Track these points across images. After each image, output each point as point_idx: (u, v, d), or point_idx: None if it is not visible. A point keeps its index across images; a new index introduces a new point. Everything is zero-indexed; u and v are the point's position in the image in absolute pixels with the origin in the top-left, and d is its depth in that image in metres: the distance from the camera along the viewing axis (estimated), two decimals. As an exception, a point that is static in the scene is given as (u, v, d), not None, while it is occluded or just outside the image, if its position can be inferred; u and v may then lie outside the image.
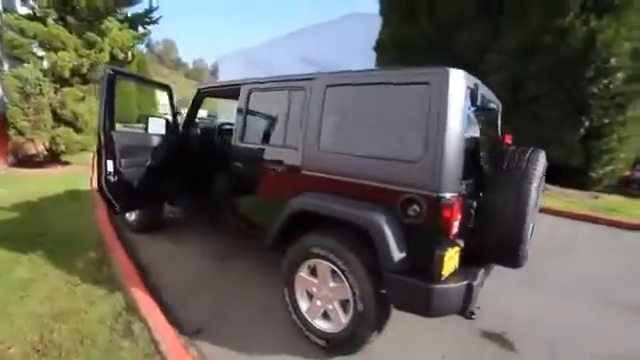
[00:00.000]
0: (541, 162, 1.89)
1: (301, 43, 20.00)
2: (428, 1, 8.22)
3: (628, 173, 8.95)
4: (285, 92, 2.37)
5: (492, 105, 2.32)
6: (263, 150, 2.46)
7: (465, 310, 1.74)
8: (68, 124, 6.45)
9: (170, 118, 3.17)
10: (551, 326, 2.45)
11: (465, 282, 1.71)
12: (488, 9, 7.27)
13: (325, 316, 2.08)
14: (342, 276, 1.91)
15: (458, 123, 1.67)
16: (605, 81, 6.19)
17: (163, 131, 3.11)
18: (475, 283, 1.73)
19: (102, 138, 2.56)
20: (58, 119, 6.35)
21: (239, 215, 2.67)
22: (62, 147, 6.45)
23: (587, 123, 6.52)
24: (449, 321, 2.19)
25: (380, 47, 9.96)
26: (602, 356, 2.18)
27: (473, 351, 2.16)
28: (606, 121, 6.48)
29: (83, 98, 6.55)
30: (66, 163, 7.25)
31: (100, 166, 2.57)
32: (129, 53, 7.68)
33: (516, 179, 1.82)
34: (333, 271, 1.97)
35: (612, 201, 6.73)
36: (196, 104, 3.15)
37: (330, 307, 2.04)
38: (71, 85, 6.48)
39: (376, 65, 10.34)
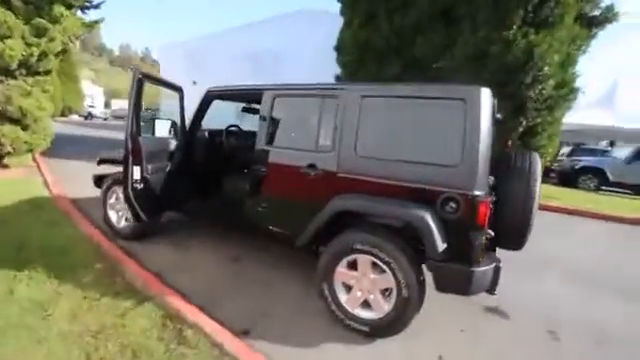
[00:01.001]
0: (539, 163, 2.31)
1: (247, 38, 19.59)
2: (388, 6, 8.72)
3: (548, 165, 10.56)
4: (316, 99, 2.50)
5: (498, 115, 2.73)
6: (293, 154, 2.57)
7: (493, 287, 2.09)
8: (14, 122, 5.66)
9: (177, 121, 3.08)
10: (531, 295, 2.97)
11: (494, 264, 2.06)
12: (444, 17, 7.97)
13: (365, 305, 2.30)
14: (385, 268, 2.14)
15: (487, 133, 2.00)
16: (540, 87, 7.24)
17: (166, 133, 3.01)
18: (501, 265, 2.08)
19: (130, 144, 2.43)
20: (2, 116, 5.53)
21: (266, 217, 2.74)
22: (8, 148, 5.65)
23: (524, 123, 7.59)
24: (455, 300, 2.52)
25: (341, 47, 10.28)
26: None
27: (481, 323, 2.56)
28: (539, 121, 7.62)
29: (30, 92, 5.78)
30: (5, 166, 6.36)
31: (127, 173, 2.44)
32: (76, 43, 6.96)
33: (525, 178, 2.21)
34: (374, 264, 2.20)
35: (544, 189, 7.95)
36: (204, 107, 3.11)
37: (371, 297, 2.26)
38: (15, 78, 5.68)
39: (338, 65, 10.67)
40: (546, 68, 7.06)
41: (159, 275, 2.85)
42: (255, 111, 3.78)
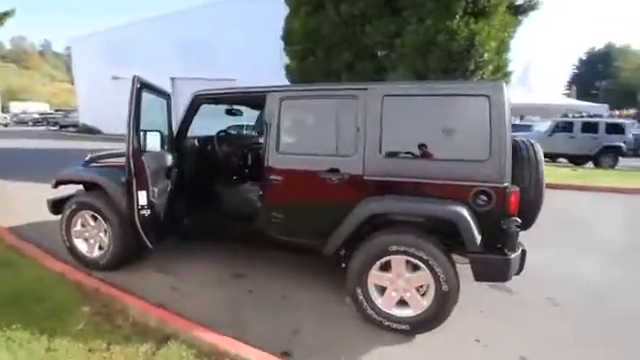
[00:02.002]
0: (541, 151, 2.52)
1: (178, 25, 18.08)
2: (336, -6, 8.66)
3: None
4: (332, 101, 2.39)
5: None
6: (310, 159, 2.44)
7: (521, 269, 2.25)
8: None
9: (164, 131, 2.69)
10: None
11: (521, 248, 2.22)
12: (392, 7, 8.18)
13: (400, 304, 2.32)
14: (422, 265, 2.18)
15: (510, 126, 2.11)
16: (480, 72, 7.89)
17: (158, 146, 2.63)
18: (526, 248, 2.25)
19: (132, 165, 2.05)
20: None
21: (283, 228, 2.58)
22: None
23: (469, 106, 8.27)
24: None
25: (288, 37, 10.01)
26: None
27: (491, 298, 2.77)
28: (481, 104, 8.37)
29: None
30: None
31: (132, 199, 2.06)
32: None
33: (533, 165, 2.39)
34: (407, 263, 2.23)
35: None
36: (191, 112, 2.77)
37: (407, 295, 2.29)
38: None
39: (286, 54, 10.40)
40: (486, 55, 7.70)
41: (162, 306, 2.54)
42: (236, 113, 3.51)
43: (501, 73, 8.50)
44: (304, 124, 2.54)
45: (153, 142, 2.51)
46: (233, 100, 2.90)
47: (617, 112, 24.85)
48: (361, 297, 2.33)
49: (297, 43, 9.46)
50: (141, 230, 2.19)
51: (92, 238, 3.12)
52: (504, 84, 2.09)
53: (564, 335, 2.35)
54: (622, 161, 11.65)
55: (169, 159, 2.49)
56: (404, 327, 2.27)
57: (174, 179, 2.58)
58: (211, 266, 3.24)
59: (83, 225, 3.14)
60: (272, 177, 2.51)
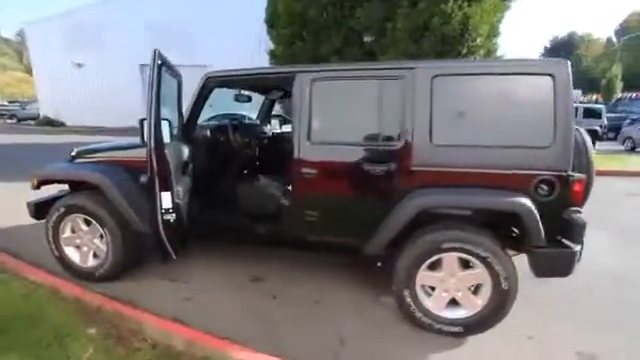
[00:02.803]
0: (589, 137, 2.38)
1: (144, 7, 16.78)
2: (325, -25, 8.25)
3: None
4: (373, 82, 2.11)
5: None
6: (349, 149, 2.17)
7: (579, 260, 2.12)
8: None
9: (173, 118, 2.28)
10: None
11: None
12: (382, -11, 7.89)
13: (451, 305, 2.15)
14: (478, 263, 2.00)
15: (573, 108, 1.93)
16: (472, 57, 7.83)
17: (167, 137, 2.25)
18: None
19: (154, 161, 1.67)
20: None
21: (318, 227, 2.30)
22: None
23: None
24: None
25: (273, 20, 9.51)
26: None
27: (532, 290, 2.66)
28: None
29: None
30: None
31: (155, 202, 1.70)
32: None
33: (583, 151, 2.26)
34: (460, 260, 2.05)
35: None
36: (202, 97, 2.39)
37: (459, 294, 2.11)
38: None
39: (271, 39, 9.91)
40: (478, 39, 7.62)
41: (178, 320, 2.22)
42: (245, 99, 3.15)
43: (491, 58, 8.50)
44: (341, 109, 2.24)
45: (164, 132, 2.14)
46: (251, 83, 2.56)
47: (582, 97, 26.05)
48: (409, 299, 2.13)
49: (283, 27, 8.98)
50: (165, 238, 1.85)
51: (85, 245, 2.71)
52: (569, 62, 1.91)
53: (615, 327, 2.27)
54: (597, 145, 12.17)
55: (186, 152, 2.12)
56: (456, 329, 2.10)
57: (196, 174, 2.23)
58: (224, 270, 2.92)
59: (74, 231, 2.72)
60: (304, 170, 2.22)
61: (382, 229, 2.10)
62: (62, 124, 18.89)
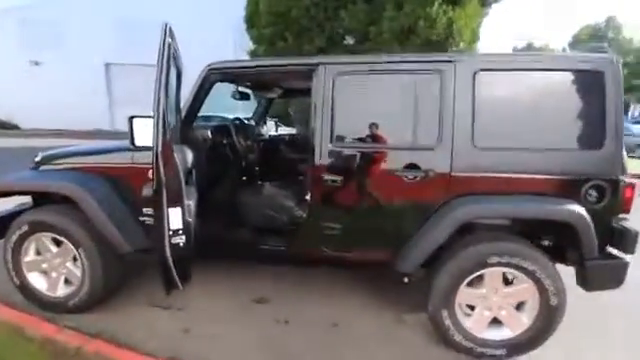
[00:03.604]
0: None
1: (109, 1, 15.66)
2: (309, -25, 8.03)
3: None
4: (406, 76, 1.87)
5: None
6: (378, 153, 1.91)
7: None
8: None
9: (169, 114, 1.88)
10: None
11: None
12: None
13: (493, 324, 1.94)
14: (526, 277, 1.81)
15: (623, 108, 1.80)
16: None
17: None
18: None
19: (162, 168, 1.30)
20: None
21: (342, 241, 2.01)
22: None
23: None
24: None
25: (253, 19, 9.16)
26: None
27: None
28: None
29: None
30: None
31: (161, 221, 1.32)
32: None
33: None
34: (505, 275, 1.86)
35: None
36: (202, 92, 2.03)
37: (503, 313, 1.91)
38: None
39: (251, 39, 9.54)
40: (461, 44, 7.71)
41: (177, 360, 1.85)
42: (245, 96, 2.81)
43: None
44: (369, 107, 1.97)
45: (145, 133, 1.75)
46: (260, 77, 2.23)
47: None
48: (447, 321, 1.89)
49: (265, 26, 8.66)
50: (172, 266, 1.47)
51: (54, 270, 2.25)
52: (620, 58, 1.77)
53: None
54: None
55: (190, 157, 1.75)
56: (500, 352, 1.89)
57: (203, 184, 1.87)
58: (223, 291, 2.55)
59: (39, 253, 2.25)
60: (325, 177, 1.94)
61: (418, 243, 1.86)
62: (15, 126, 17.26)
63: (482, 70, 1.80)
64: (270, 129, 3.54)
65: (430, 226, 1.83)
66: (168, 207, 1.44)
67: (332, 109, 1.91)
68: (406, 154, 1.89)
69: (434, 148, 1.84)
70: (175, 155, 1.49)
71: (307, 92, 3.15)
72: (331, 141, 1.93)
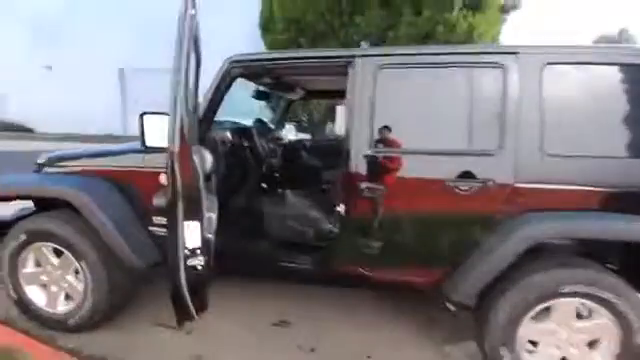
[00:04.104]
0: None
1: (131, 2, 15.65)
2: (323, -21, 7.93)
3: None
4: (460, 71, 1.62)
5: None
6: (426, 160, 1.66)
7: None
8: None
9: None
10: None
11: None
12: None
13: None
14: (605, 309, 1.51)
15: None
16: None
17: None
18: None
19: (178, 174, 1.06)
20: None
21: (383, 262, 1.74)
22: None
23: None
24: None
25: (268, 24, 9.07)
26: None
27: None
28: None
29: None
30: None
31: (175, 239, 1.08)
32: None
33: None
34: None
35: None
36: (222, 88, 1.80)
37: (574, 352, 1.61)
38: None
39: (265, 45, 9.44)
40: (483, 50, 7.47)
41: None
42: (265, 96, 2.59)
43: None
44: (415, 106, 1.71)
45: (160, 131, 1.51)
46: (288, 72, 2.00)
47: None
48: (507, 359, 1.59)
49: (279, 32, 8.55)
50: (187, 294, 1.20)
51: (54, 284, 2.02)
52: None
53: None
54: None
55: (209, 161, 1.50)
56: (569, 399, 1.59)
57: (227, 193, 1.62)
58: (237, 311, 2.27)
59: (39, 264, 2.03)
60: (363, 186, 1.67)
61: (475, 268, 1.57)
62: (30, 130, 17.43)
63: (552, 63, 1.53)
64: (289, 133, 3.31)
65: (489, 248, 1.55)
66: (185, 220, 1.18)
67: (372, 108, 1.66)
68: (459, 161, 1.62)
69: (494, 153, 1.57)
70: (195, 160, 1.24)
71: (333, 93, 2.89)
72: (370, 146, 1.67)
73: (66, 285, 2.01)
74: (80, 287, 1.96)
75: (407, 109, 1.71)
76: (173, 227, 1.25)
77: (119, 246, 1.78)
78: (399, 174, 1.68)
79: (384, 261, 1.75)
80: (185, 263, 1.21)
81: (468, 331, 2.06)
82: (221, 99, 1.87)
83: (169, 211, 1.22)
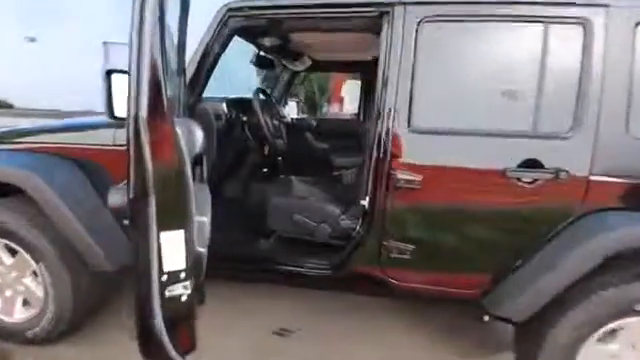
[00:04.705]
0: None
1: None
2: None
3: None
4: (528, 28, 1.25)
5: None
6: (480, 144, 1.31)
7: None
8: None
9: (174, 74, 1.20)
10: None
11: None
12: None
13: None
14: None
15: None
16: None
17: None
18: None
19: (147, 153, 0.68)
20: None
21: (419, 268, 1.41)
22: None
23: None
24: None
25: None
26: None
27: None
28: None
29: None
30: None
31: (147, 257, 0.70)
32: None
33: None
34: None
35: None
36: (217, 45, 1.39)
37: (644, 380, 1.33)
38: None
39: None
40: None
41: None
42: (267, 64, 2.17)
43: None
44: (468, 73, 1.33)
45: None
46: (300, 26, 1.58)
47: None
48: (563, 389, 1.31)
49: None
50: (165, 335, 0.80)
51: (8, 288, 1.66)
52: None
53: None
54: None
55: (199, 137, 1.08)
56: None
57: (210, 182, 1.23)
58: (232, 318, 1.93)
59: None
60: (397, 175, 1.32)
61: (538, 280, 1.25)
62: (10, 106, 16.53)
63: (646, 21, 1.17)
64: (292, 111, 2.91)
65: (558, 255, 1.23)
66: (161, 230, 0.77)
67: (412, 75, 1.28)
68: (522, 145, 1.27)
69: (568, 137, 1.23)
70: (178, 132, 0.84)
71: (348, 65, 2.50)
72: (409, 124, 1.31)
73: (23, 289, 1.65)
74: (39, 292, 1.60)
75: (457, 77, 1.33)
76: (142, 240, 0.79)
77: (83, 243, 1.41)
78: (446, 161, 1.33)
79: (419, 267, 1.42)
80: (162, 294, 0.81)
81: (492, 344, 1.80)
82: (216, 60, 1.46)
83: (133, 215, 0.80)
